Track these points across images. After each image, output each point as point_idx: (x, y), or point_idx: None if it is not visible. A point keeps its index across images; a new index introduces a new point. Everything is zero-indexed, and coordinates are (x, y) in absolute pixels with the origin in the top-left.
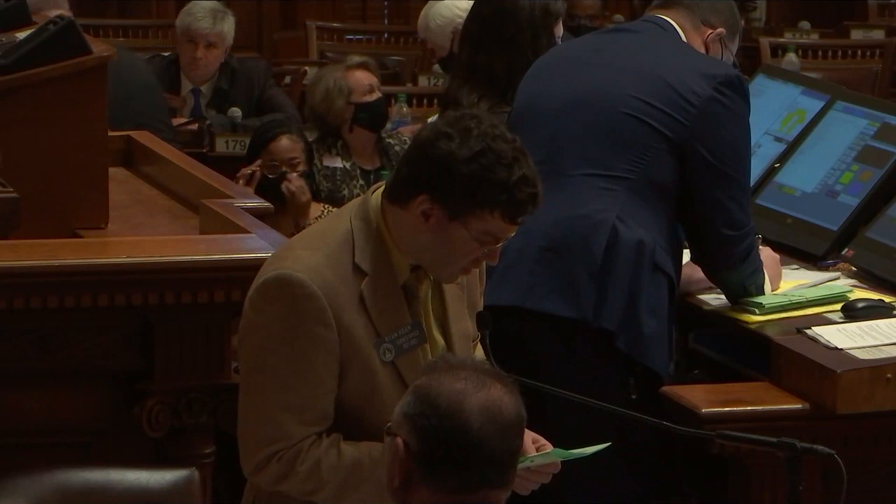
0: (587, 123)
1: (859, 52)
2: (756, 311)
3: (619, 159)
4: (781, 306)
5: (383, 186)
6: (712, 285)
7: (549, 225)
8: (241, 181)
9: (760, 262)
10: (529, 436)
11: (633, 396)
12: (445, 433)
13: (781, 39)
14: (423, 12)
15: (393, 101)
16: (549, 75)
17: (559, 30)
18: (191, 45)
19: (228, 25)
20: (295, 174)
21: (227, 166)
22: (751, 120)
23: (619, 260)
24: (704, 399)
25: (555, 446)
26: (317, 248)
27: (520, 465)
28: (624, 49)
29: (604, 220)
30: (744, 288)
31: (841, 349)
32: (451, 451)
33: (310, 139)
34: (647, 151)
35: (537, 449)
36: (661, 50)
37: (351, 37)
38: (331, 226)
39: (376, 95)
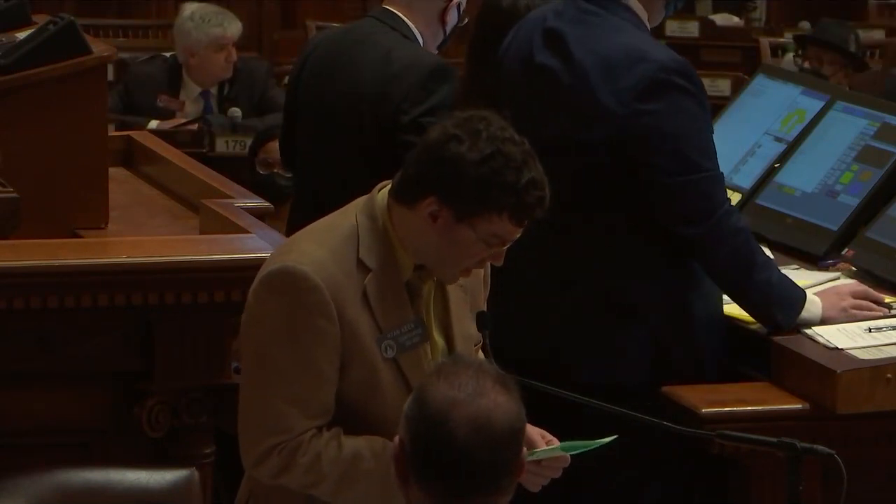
0: None
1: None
2: None
3: None
4: None
5: (390, 185)
6: None
7: None
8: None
9: None
10: (537, 431)
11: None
12: (430, 440)
13: (781, 39)
14: None
15: None
16: None
17: None
18: (222, 52)
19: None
20: None
21: (228, 166)
22: (751, 120)
23: None
24: (704, 399)
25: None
26: (322, 243)
27: (529, 458)
28: None
29: None
30: None
31: (841, 349)
32: (435, 459)
33: None
34: None
35: (546, 443)
36: None
37: None
38: (336, 221)
39: None
